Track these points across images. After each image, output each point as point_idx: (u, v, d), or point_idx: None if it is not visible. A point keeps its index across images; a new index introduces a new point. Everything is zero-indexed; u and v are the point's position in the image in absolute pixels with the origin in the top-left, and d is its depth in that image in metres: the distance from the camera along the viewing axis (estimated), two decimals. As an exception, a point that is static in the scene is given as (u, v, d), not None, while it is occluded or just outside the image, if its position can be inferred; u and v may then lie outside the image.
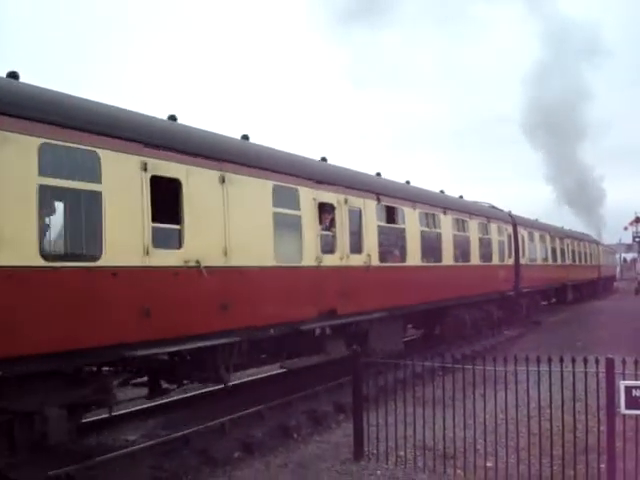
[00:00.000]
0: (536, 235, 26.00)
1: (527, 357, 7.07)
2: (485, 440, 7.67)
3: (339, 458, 8.32)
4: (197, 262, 8.74)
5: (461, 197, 20.21)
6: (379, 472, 7.68)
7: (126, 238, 7.81)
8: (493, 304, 20.73)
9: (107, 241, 7.56)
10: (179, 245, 8.62)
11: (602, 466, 6.82)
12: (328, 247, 11.83)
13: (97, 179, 7.56)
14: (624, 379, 6.67)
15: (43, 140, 7.02)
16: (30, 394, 7.09)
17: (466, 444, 7.43)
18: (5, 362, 6.51)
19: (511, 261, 21.94)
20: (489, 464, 7.36)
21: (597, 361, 6.76)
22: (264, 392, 11.83)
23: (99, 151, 7.60)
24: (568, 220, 54.64)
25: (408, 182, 16.47)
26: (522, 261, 23.03)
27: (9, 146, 6.72)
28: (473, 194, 45.76)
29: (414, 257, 14.97)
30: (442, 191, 18.55)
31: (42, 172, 6.98)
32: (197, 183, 8.89)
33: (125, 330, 7.75)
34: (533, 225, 26.61)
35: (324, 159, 12.95)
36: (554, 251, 29.01)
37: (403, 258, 14.54)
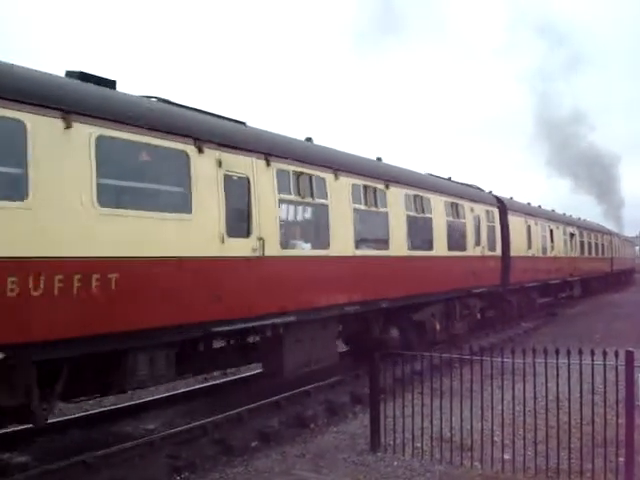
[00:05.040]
0: (617, 240, 47.23)
1: (545, 349, 7.03)
2: (502, 432, 7.66)
3: (356, 449, 8.33)
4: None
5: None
6: (396, 463, 7.67)
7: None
8: (602, 278, 39.09)
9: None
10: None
11: (620, 459, 6.80)
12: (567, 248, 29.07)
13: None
14: (644, 372, 6.63)
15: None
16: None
17: (483, 436, 7.40)
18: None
19: (610, 254, 41.51)
20: (506, 456, 7.34)
21: (616, 354, 6.71)
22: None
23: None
24: (584, 209, 55.60)
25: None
26: (614, 255, 43.42)
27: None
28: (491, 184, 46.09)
29: (583, 252, 32.15)
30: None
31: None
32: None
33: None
34: (619, 235, 50.71)
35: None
36: (620, 249, 48.32)
37: (582, 253, 32.11)
